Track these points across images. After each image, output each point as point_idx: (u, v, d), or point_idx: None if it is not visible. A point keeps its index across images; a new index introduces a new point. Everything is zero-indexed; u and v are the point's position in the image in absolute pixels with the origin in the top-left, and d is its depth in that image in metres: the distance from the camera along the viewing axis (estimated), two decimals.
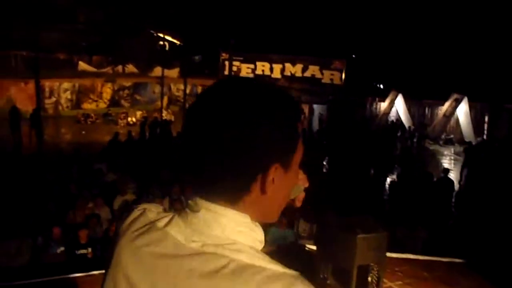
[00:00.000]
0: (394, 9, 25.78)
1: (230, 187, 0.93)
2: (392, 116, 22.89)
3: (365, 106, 23.91)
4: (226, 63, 25.91)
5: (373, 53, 26.97)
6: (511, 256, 4.46)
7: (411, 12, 25.46)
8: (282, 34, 27.36)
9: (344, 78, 26.40)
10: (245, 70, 27.82)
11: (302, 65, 27.11)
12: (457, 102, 20.95)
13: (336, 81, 26.58)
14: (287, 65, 27.41)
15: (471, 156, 14.10)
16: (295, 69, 27.37)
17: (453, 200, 10.99)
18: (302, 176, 1.09)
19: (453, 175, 12.54)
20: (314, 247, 3.53)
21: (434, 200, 9.65)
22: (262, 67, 27.79)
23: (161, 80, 20.33)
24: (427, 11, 24.92)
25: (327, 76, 26.91)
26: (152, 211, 1.04)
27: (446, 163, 17.09)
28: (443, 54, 23.56)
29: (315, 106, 23.20)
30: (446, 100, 21.46)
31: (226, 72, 25.99)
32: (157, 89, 24.15)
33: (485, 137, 19.62)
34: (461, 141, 20.77)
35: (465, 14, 22.00)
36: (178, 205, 8.04)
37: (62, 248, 6.04)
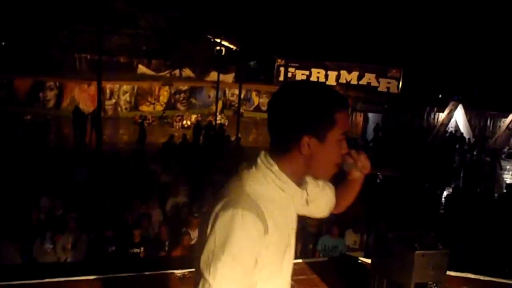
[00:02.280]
0: (454, 17, 24.93)
1: (277, 146, 1.51)
2: (451, 127, 22.08)
3: (423, 116, 23.21)
4: (281, 69, 25.92)
5: (431, 61, 26.14)
6: None
7: (473, 19, 24.52)
8: (338, 41, 27.06)
9: (401, 87, 25.76)
10: (300, 77, 27.74)
11: (358, 72, 26.71)
12: None
13: (393, 90, 26.00)
14: (343, 72, 27.09)
15: None
16: (350, 77, 27.01)
17: None
18: (357, 156, 1.64)
19: None
20: (367, 260, 3.41)
21: (495, 217, 9.19)
22: (317, 74, 27.60)
23: (216, 84, 20.59)
24: (490, 18, 23.93)
25: (383, 85, 26.38)
26: None
27: (508, 178, 16.28)
28: (507, 65, 22.51)
29: (370, 114, 22.76)
30: (510, 112, 20.49)
31: (281, 78, 25.98)
32: (212, 93, 24.49)
33: None
34: None
35: None
36: None
37: (113, 248, 6.17)
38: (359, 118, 22.92)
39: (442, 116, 22.57)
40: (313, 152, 1.47)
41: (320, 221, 7.66)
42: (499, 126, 21.20)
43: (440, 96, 26.59)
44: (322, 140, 1.48)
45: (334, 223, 7.22)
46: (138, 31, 29.15)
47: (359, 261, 3.58)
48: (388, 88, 26.18)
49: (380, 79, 26.37)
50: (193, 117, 22.35)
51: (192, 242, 6.63)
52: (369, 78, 26.57)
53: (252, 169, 1.53)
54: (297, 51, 23.86)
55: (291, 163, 1.51)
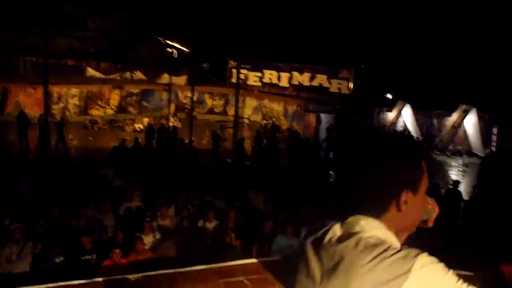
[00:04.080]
0: (402, 20, 25.76)
1: (375, 207, 1.41)
2: (400, 126, 22.78)
3: (373, 116, 23.81)
4: (234, 71, 25.96)
5: (380, 62, 26.89)
6: None
7: (420, 22, 25.43)
8: (290, 42, 27.39)
9: (352, 88, 26.33)
10: (253, 79, 27.85)
11: (310, 74, 27.07)
12: (466, 113, 20.83)
13: (344, 91, 26.51)
14: (295, 73, 27.39)
15: (485, 168, 13.97)
16: (302, 78, 27.34)
17: (461, 212, 10.85)
18: (431, 201, 1.58)
19: (461, 187, 12.42)
20: None
21: (441, 212, 9.52)
22: (270, 76, 27.80)
23: (168, 87, 20.36)
24: (435, 21, 24.88)
25: (334, 86, 26.84)
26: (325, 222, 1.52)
27: (453, 174, 16.95)
28: (451, 65, 23.46)
29: (322, 115, 23.13)
30: (454, 111, 21.35)
31: (234, 80, 26.05)
32: (165, 96, 24.21)
33: (493, 148, 19.45)
34: (469, 152, 20.59)
35: (474, 25, 21.94)
36: (185, 212, 8.00)
37: (61, 258, 5.94)
38: (312, 119, 23.23)
39: (391, 115, 23.24)
40: (408, 207, 1.41)
41: (275, 222, 7.72)
42: (445, 125, 22.03)
43: (389, 96, 27.39)
44: (416, 192, 1.44)
45: (289, 223, 7.30)
46: (86, 33, 28.43)
47: None
48: (339, 89, 26.66)
49: (332, 80, 26.82)
50: (145, 120, 22.00)
51: (146, 247, 6.53)
52: (321, 79, 26.97)
53: (358, 238, 1.39)
54: (249, 53, 23.96)
55: (393, 222, 1.42)
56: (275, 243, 6.98)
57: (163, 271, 3.22)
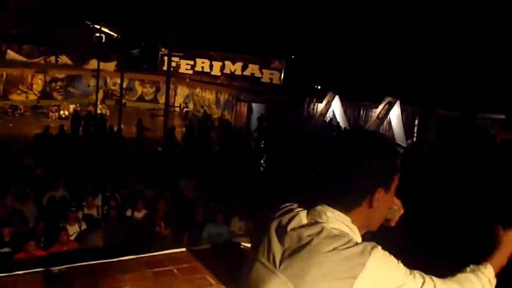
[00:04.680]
0: (332, 12, 26.39)
1: (349, 201, 1.45)
2: (329, 117, 23.41)
3: (303, 106, 24.30)
4: (165, 58, 25.47)
5: (311, 54, 27.48)
6: None
7: (348, 14, 26.17)
8: (222, 32, 27.28)
9: (283, 78, 26.69)
10: (185, 67, 27.49)
11: (242, 63, 27.13)
12: (390, 105, 21.76)
13: (275, 81, 26.82)
14: (227, 63, 27.35)
15: (407, 157, 14.65)
16: (234, 67, 27.35)
17: None
18: (397, 202, 1.63)
19: None
20: (249, 245, 3.50)
21: None
22: (202, 64, 27.58)
23: (96, 73, 19.61)
24: (363, 14, 25.70)
25: (266, 76, 27.10)
26: (292, 206, 1.55)
27: None
28: (379, 57, 24.39)
29: (254, 105, 23.29)
30: (380, 102, 22.24)
31: (165, 68, 25.59)
32: (92, 82, 23.34)
33: (414, 139, 20.50)
34: None
35: (397, 19, 22.88)
36: (113, 202, 7.80)
37: None
38: (243, 108, 23.34)
39: (320, 106, 23.83)
40: (379, 204, 1.48)
41: (206, 210, 7.72)
42: (371, 116, 22.90)
43: (318, 87, 28.02)
44: (388, 190, 1.50)
45: (219, 211, 7.32)
46: (7, 13, 26.70)
47: (241, 247, 3.67)
48: (271, 79, 26.95)
49: (263, 70, 27.05)
50: (71, 107, 21.12)
51: (72, 238, 6.31)
52: (253, 69, 27.13)
53: (322, 227, 1.44)
54: (181, 41, 23.59)
55: (361, 217, 1.48)
56: (205, 231, 7.01)
57: (90, 262, 3.13)
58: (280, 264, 1.41)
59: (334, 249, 1.34)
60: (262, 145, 15.99)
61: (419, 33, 19.86)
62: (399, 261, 1.39)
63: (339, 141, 1.56)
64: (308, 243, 1.39)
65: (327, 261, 1.33)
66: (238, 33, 27.01)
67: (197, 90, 26.93)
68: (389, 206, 1.56)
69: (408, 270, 1.40)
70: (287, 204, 1.58)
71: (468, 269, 1.64)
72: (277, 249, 1.44)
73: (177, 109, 26.10)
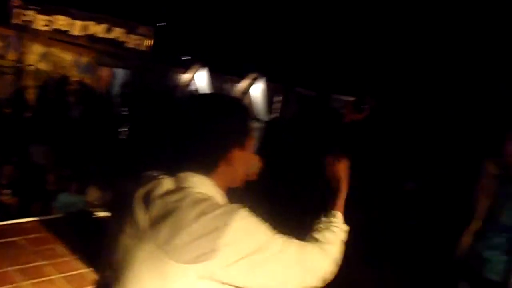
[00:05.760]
0: None
1: (207, 164, 1.54)
2: (194, 87, 23.42)
3: (170, 76, 23.96)
4: (19, 11, 23.03)
5: (183, 24, 27.00)
6: None
7: None
8: None
9: (151, 46, 25.91)
10: (41, 23, 25.16)
11: (107, 25, 25.65)
12: (254, 80, 22.46)
13: (142, 48, 25.90)
14: (90, 23, 25.62)
15: (269, 131, 15.31)
16: (98, 29, 25.76)
17: None
18: (255, 157, 1.73)
19: None
20: (104, 214, 3.46)
21: None
22: (62, 22, 25.49)
23: None
24: None
25: (133, 41, 26.00)
26: (156, 174, 1.59)
27: None
28: (246, 34, 24.82)
29: (117, 70, 22.33)
30: (244, 77, 22.82)
31: (19, 22, 23.17)
32: None
33: (276, 115, 21.49)
34: (254, 118, 22.38)
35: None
36: None
37: None
38: (106, 73, 22.23)
39: (187, 77, 23.70)
40: (237, 162, 1.57)
41: (59, 178, 7.30)
42: (235, 91, 23.41)
43: (187, 58, 27.79)
44: (243, 149, 1.59)
45: (73, 179, 6.98)
46: None
47: (95, 216, 3.58)
48: (138, 45, 25.94)
49: (130, 35, 25.89)
50: None
51: None
52: (118, 33, 25.75)
53: (187, 192, 1.50)
54: None
55: (221, 179, 1.57)
56: (57, 200, 6.63)
57: None
58: (147, 233, 1.43)
59: (200, 212, 1.39)
60: (124, 112, 15.47)
61: (285, 15, 20.64)
62: (263, 223, 1.47)
63: (190, 105, 1.61)
64: (174, 209, 1.42)
65: (194, 225, 1.37)
66: None
67: (54, 50, 24.93)
68: (248, 163, 1.66)
69: (272, 231, 1.49)
70: (151, 172, 1.62)
71: (321, 226, 1.79)
72: (143, 218, 1.46)
73: (32, 68, 23.95)
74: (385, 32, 13.95)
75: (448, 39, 12.19)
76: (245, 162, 1.64)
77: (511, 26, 10.29)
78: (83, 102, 16.55)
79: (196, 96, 1.79)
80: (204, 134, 1.52)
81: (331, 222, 1.80)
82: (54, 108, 14.61)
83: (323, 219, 1.83)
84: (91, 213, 3.62)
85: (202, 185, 1.52)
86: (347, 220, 1.84)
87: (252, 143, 1.64)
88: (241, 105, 1.67)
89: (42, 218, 3.44)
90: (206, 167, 1.55)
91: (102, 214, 3.55)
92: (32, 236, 3.13)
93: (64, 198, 6.81)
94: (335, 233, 1.78)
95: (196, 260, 1.33)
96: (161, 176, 1.57)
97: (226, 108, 1.57)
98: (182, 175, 1.54)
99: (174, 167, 1.56)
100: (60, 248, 3.06)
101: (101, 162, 9.15)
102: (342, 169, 1.89)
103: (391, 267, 6.87)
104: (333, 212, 1.85)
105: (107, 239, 1.51)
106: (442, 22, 12.27)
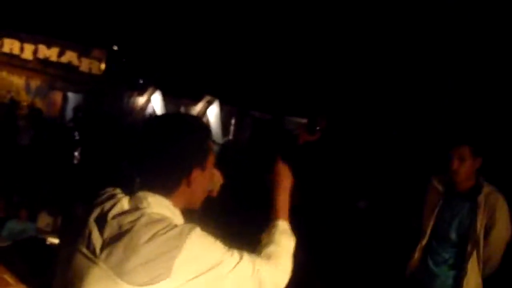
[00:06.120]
0: (156, 5, 26.17)
1: (167, 185, 1.53)
2: (149, 111, 23.23)
3: (123, 99, 23.69)
4: None
5: (135, 46, 26.80)
6: None
7: (172, 10, 26.24)
8: (34, 12, 24.96)
9: (104, 69, 25.59)
10: None
11: (58, 49, 25.20)
12: (209, 103, 22.52)
13: (95, 71, 25.55)
14: (41, 46, 25.13)
15: (224, 153, 15.38)
16: (50, 53, 25.27)
17: None
18: (217, 174, 1.75)
19: None
20: (56, 241, 3.41)
21: None
22: (11, 46, 24.91)
23: None
24: (187, 10, 26.03)
25: (85, 64, 25.62)
26: (114, 192, 1.60)
27: None
28: (200, 55, 24.91)
29: (70, 94, 21.91)
30: (199, 100, 22.85)
31: None
32: None
33: (231, 137, 21.56)
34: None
35: (219, 21, 23.74)
36: None
37: None
38: (58, 97, 21.78)
39: (141, 100, 23.50)
40: (197, 183, 1.57)
41: (7, 205, 7.07)
42: (191, 113, 23.35)
43: (141, 81, 27.52)
44: (204, 169, 1.60)
45: (23, 205, 6.79)
46: None
47: (47, 243, 3.52)
48: (90, 68, 25.57)
49: (82, 59, 25.50)
50: None
51: None
52: (71, 56, 25.36)
53: (142, 213, 1.48)
54: None
55: (182, 198, 1.57)
56: (5, 228, 6.42)
57: None
58: (100, 254, 1.41)
59: (154, 234, 1.38)
60: (76, 137, 15.17)
61: (238, 39, 20.93)
62: (217, 241, 1.50)
63: (149, 127, 1.62)
64: (128, 230, 1.39)
65: (147, 247, 1.36)
66: (57, 17, 25.02)
67: (4, 73, 24.26)
68: (208, 182, 1.67)
69: (226, 248, 1.50)
70: (109, 190, 1.62)
71: (274, 235, 1.73)
72: (97, 238, 1.43)
73: None
74: (335, 58, 14.42)
75: (395, 63, 12.73)
76: (206, 182, 1.65)
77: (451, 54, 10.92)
78: (33, 126, 16.13)
79: (155, 116, 1.79)
80: (164, 156, 1.51)
81: (278, 231, 1.76)
82: (3, 133, 14.18)
83: (268, 229, 1.80)
84: (42, 240, 3.55)
85: (158, 206, 1.50)
86: (300, 238, 1.84)
87: (212, 160, 1.64)
88: (201, 124, 1.69)
89: None
90: (167, 188, 1.54)
91: (53, 240, 3.49)
92: None
93: (13, 225, 6.61)
94: (288, 238, 1.77)
95: (151, 281, 1.32)
96: (119, 195, 1.56)
97: (186, 127, 1.56)
98: (140, 194, 1.52)
99: (132, 187, 1.54)
100: (7, 277, 2.98)
101: (52, 187, 8.93)
102: (279, 173, 1.90)
103: (345, 282, 7.01)
104: (278, 219, 1.81)
105: (59, 260, 1.51)
106: (383, 49, 12.85)
